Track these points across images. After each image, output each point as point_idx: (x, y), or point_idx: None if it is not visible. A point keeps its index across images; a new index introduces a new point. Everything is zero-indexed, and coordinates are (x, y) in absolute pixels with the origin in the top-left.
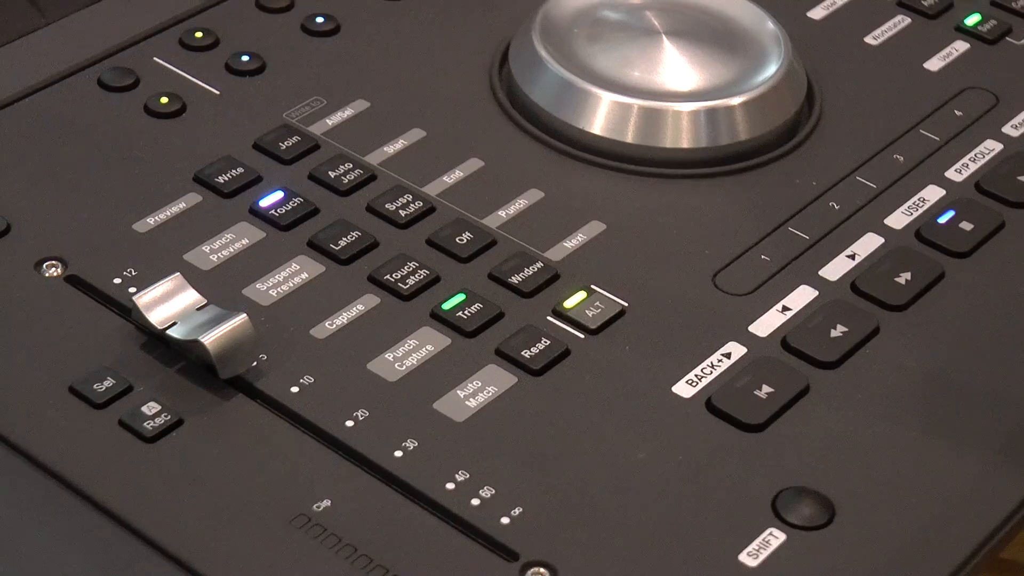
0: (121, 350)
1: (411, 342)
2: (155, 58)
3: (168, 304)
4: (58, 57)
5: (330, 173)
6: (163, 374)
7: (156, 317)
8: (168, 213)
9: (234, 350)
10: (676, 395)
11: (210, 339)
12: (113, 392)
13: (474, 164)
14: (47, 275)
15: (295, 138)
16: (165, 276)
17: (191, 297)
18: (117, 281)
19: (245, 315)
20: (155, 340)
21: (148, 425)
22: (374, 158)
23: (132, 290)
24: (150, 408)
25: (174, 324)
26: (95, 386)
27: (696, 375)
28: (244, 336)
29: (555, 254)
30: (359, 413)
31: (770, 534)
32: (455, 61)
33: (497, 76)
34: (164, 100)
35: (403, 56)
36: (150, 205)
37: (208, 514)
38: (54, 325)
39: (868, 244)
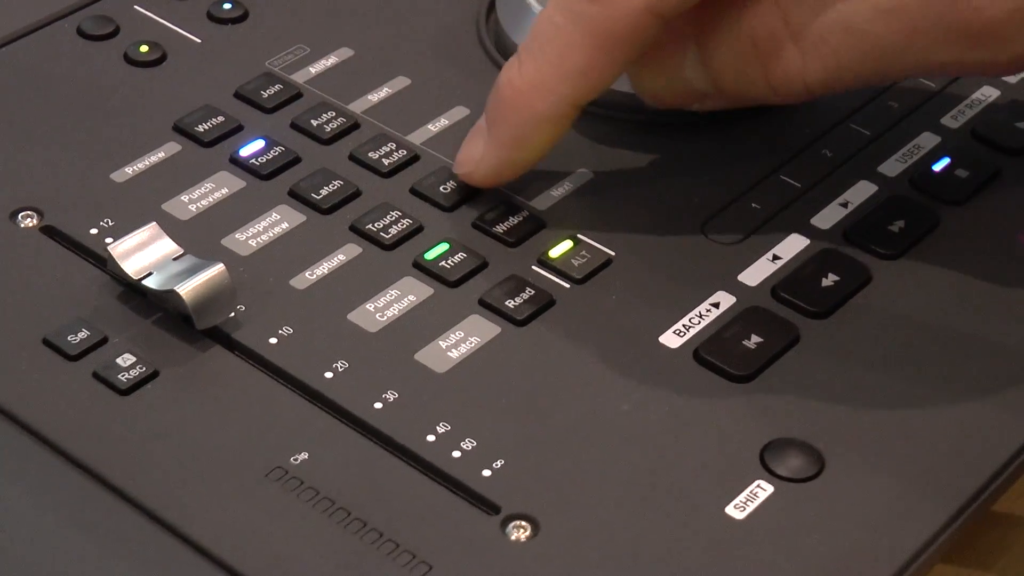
0: (97, 301)
1: (393, 292)
2: (135, 6)
3: (144, 254)
4: (37, 6)
5: (312, 121)
6: (139, 325)
7: (131, 267)
8: (146, 163)
9: (211, 300)
10: (663, 345)
11: (186, 289)
12: (87, 344)
13: (460, 112)
14: (22, 225)
15: (277, 86)
16: (145, 223)
17: (167, 247)
18: (94, 232)
19: (222, 265)
20: (131, 291)
21: (123, 377)
22: (357, 106)
23: (108, 240)
24: (125, 360)
25: (150, 274)
26: (69, 338)
27: (684, 325)
28: (221, 286)
29: (541, 203)
30: (339, 364)
31: (758, 486)
32: (441, 8)
33: (484, 23)
34: (144, 49)
35: (388, 3)
36: (128, 155)
37: (183, 467)
38: (29, 276)
39: (862, 192)
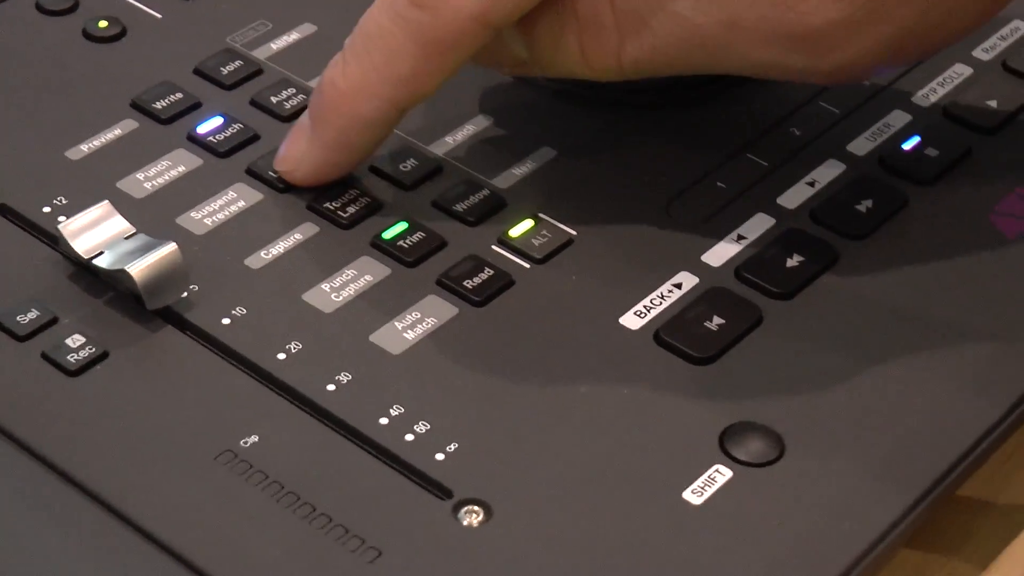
0: (48, 281)
1: (349, 272)
2: None
3: (95, 232)
4: None
5: (272, 98)
6: (91, 305)
7: (82, 246)
8: (103, 140)
9: (162, 280)
10: (623, 327)
11: (137, 268)
12: (37, 324)
13: None
14: None
15: (237, 63)
16: (98, 202)
17: (120, 225)
18: (47, 210)
19: (174, 244)
20: (83, 270)
21: (72, 358)
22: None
23: (61, 219)
24: (74, 340)
25: (101, 253)
26: (18, 318)
27: (644, 306)
28: (173, 266)
29: (503, 181)
30: (292, 346)
31: (716, 471)
32: None
33: None
34: (103, 24)
35: None
36: (85, 132)
37: (130, 450)
38: None
39: (829, 171)
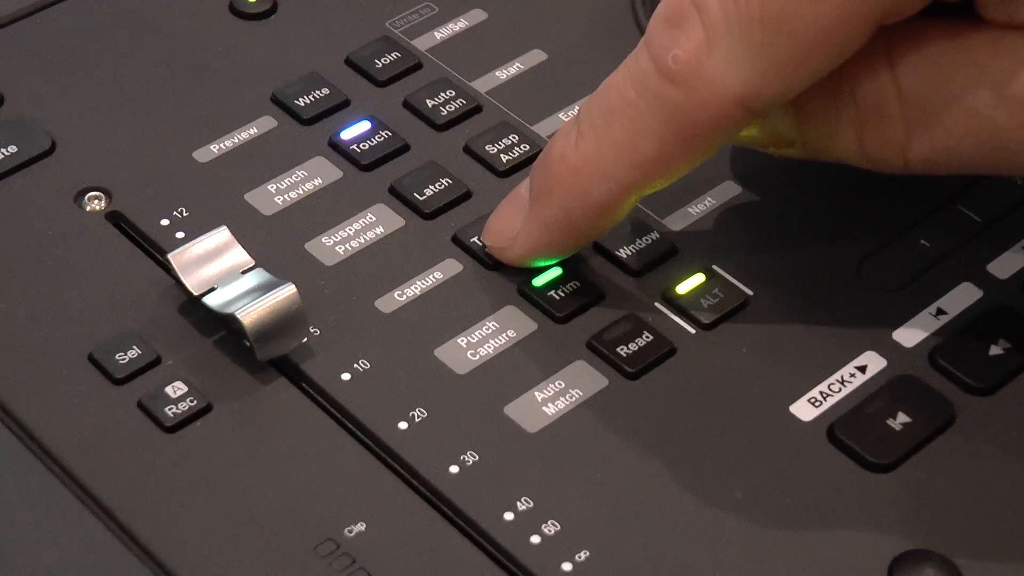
0: (155, 310)
1: (491, 324)
2: None
3: (210, 265)
4: None
5: (428, 102)
6: (199, 345)
7: (194, 280)
8: (236, 140)
9: (276, 328)
10: (794, 417)
11: (248, 314)
12: (137, 365)
13: None
14: (88, 209)
15: (394, 54)
16: (221, 219)
17: (238, 257)
18: (165, 223)
19: (293, 287)
20: (195, 302)
21: (170, 411)
22: (482, 84)
23: (180, 235)
24: (175, 389)
25: (213, 289)
26: (117, 356)
27: (821, 392)
28: (289, 312)
29: (675, 222)
30: (416, 413)
31: None
32: None
33: None
34: None
35: None
36: (217, 128)
37: (221, 529)
38: (87, 272)
39: None
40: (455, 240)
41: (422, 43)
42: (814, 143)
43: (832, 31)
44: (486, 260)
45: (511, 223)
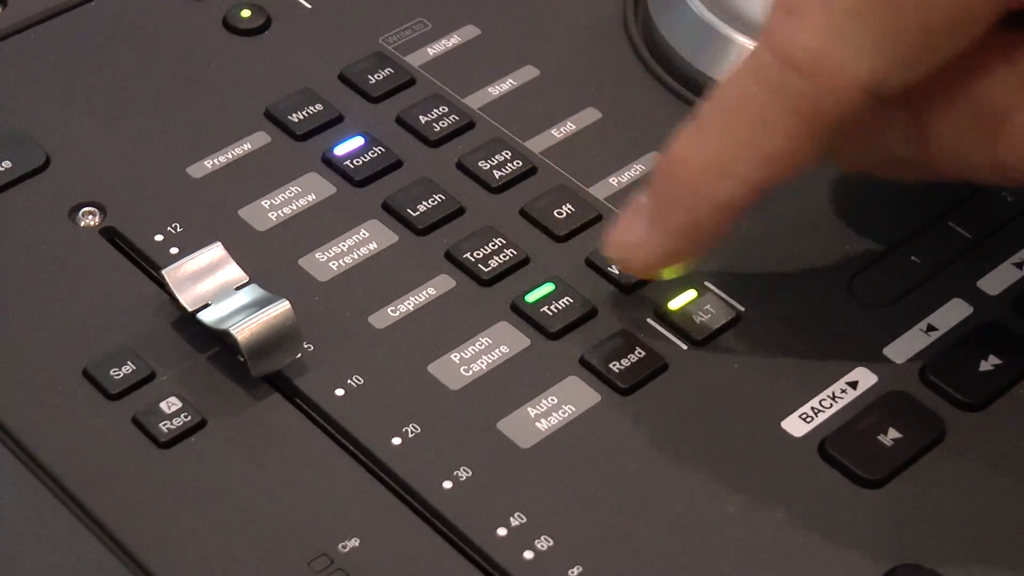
0: (150, 326)
1: (484, 340)
2: None
3: (205, 281)
4: None
5: (421, 118)
6: (192, 360)
7: (188, 296)
8: (230, 156)
9: (270, 344)
10: (785, 433)
11: (242, 329)
12: (131, 381)
13: (591, 115)
14: (82, 224)
15: (387, 70)
16: (215, 235)
17: (233, 273)
18: (159, 238)
19: (287, 303)
20: (189, 318)
21: (164, 427)
22: (475, 100)
23: (174, 251)
24: (170, 405)
25: (207, 305)
26: (112, 371)
27: (813, 408)
28: (283, 328)
29: None
30: (410, 429)
31: None
32: None
33: (632, 11)
34: (246, 14)
35: None
36: (211, 144)
37: (216, 544)
38: (81, 288)
39: None
40: (448, 256)
41: (415, 59)
42: (934, 157)
43: (961, 8)
44: (479, 277)
45: (634, 233)
